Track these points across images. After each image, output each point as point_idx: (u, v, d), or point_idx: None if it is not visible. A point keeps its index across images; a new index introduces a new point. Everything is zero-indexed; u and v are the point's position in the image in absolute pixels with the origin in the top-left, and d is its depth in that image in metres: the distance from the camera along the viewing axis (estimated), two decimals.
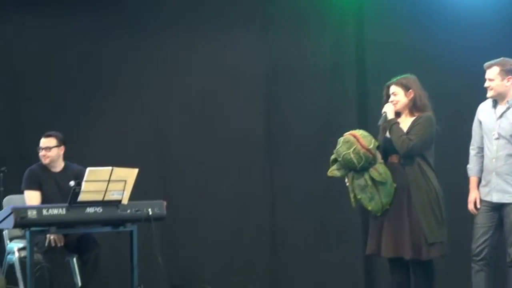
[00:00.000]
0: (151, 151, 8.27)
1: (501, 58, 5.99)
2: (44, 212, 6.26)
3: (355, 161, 5.80)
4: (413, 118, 5.94)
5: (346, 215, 7.81)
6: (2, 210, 6.44)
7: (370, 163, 5.83)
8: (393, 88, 6.00)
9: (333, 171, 5.99)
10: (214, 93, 8.21)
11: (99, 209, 6.46)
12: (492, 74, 5.94)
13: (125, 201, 6.55)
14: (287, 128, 8.11)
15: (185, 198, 8.14)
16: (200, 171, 8.19)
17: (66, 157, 7.07)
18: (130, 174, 6.50)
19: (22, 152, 8.01)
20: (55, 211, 6.29)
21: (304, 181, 7.99)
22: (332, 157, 5.98)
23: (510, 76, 5.92)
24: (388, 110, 5.97)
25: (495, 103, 6.00)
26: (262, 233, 8.10)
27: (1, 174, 7.76)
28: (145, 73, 8.28)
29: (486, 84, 5.97)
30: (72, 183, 6.43)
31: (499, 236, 5.98)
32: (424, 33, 7.82)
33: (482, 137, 6.05)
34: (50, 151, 6.95)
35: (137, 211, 6.61)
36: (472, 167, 6.10)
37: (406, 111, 6.00)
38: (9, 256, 6.93)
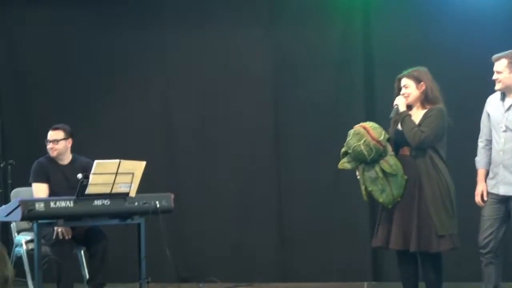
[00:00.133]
0: (159, 144, 8.28)
1: (510, 51, 5.96)
2: (52, 204, 6.27)
3: (365, 153, 5.79)
4: (424, 111, 5.92)
5: (354, 208, 7.82)
6: (10, 203, 6.46)
7: (380, 155, 5.81)
8: (405, 81, 5.98)
9: (344, 163, 5.97)
10: (222, 87, 8.21)
11: (106, 202, 6.47)
12: (501, 67, 5.92)
13: (132, 193, 6.55)
14: (294, 122, 8.10)
15: (193, 191, 8.15)
16: (207, 164, 8.20)
17: (74, 149, 7.07)
18: (137, 167, 6.50)
19: (30, 144, 8.03)
20: (62, 204, 6.31)
21: (311, 174, 7.99)
22: (343, 149, 5.97)
23: None
24: (400, 103, 5.95)
25: (503, 96, 5.99)
26: (269, 226, 8.10)
27: (9, 166, 7.80)
28: (153, 67, 8.30)
29: (494, 76, 5.95)
30: (79, 175, 6.44)
31: (507, 229, 5.96)
32: (431, 25, 7.80)
33: (490, 130, 6.03)
34: (58, 143, 6.94)
35: (144, 203, 6.62)
36: (480, 160, 6.09)
37: (418, 104, 5.98)
38: (16, 249, 6.94)
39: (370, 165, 5.85)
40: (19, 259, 6.86)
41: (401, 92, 5.99)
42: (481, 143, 6.11)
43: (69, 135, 6.99)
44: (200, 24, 8.27)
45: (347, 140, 5.90)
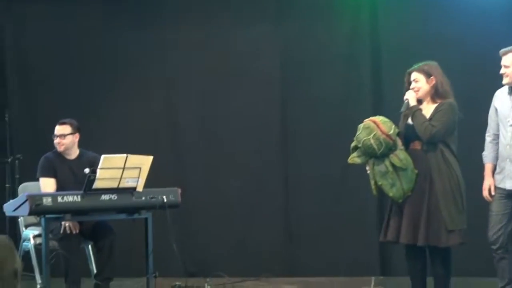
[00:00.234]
0: (166, 139, 8.29)
1: None
2: (59, 199, 6.28)
3: (375, 147, 5.77)
4: (435, 105, 5.91)
5: (361, 203, 7.82)
6: (18, 197, 6.47)
7: (390, 149, 5.80)
8: (414, 75, 5.97)
9: (354, 158, 5.96)
10: (229, 83, 8.21)
11: (114, 196, 6.47)
12: (508, 61, 5.91)
13: (140, 188, 6.55)
14: (301, 118, 8.10)
15: (200, 185, 8.16)
16: (214, 159, 8.21)
17: (81, 144, 7.08)
18: (144, 162, 6.51)
19: (38, 139, 8.05)
20: (70, 198, 6.31)
21: (319, 170, 7.98)
22: (353, 144, 5.95)
23: None
24: (410, 97, 5.94)
25: (511, 90, 5.97)
26: (277, 221, 8.11)
27: (17, 161, 7.82)
28: (159, 62, 8.30)
29: (502, 71, 5.94)
30: (87, 170, 6.44)
31: None
32: (438, 20, 7.79)
33: (497, 124, 6.02)
34: (65, 138, 6.95)
35: (152, 198, 6.63)
36: (487, 154, 6.08)
37: (428, 98, 5.96)
38: (24, 243, 6.95)
39: (380, 159, 5.83)
40: (27, 253, 6.87)
41: (411, 87, 5.98)
42: (488, 138, 6.10)
43: (76, 129, 7.00)
44: (207, 21, 8.27)
45: (357, 134, 5.89)
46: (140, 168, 6.47)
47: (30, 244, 6.85)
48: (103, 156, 6.37)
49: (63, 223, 6.57)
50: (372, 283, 7.57)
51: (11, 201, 6.62)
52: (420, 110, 5.90)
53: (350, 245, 7.87)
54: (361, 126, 5.90)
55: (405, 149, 5.90)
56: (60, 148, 6.96)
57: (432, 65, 5.99)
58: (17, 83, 8.48)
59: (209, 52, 8.24)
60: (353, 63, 8.03)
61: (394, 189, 5.80)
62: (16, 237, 7.36)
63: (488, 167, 6.06)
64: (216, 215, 8.13)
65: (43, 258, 6.39)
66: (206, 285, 7.08)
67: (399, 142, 5.89)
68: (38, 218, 6.62)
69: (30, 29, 8.49)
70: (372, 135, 5.79)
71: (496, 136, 6.03)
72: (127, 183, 6.48)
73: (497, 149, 6.02)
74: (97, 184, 6.34)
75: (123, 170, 6.38)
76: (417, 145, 5.91)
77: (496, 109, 6.03)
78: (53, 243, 6.64)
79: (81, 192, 6.34)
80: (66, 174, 6.92)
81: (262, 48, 8.20)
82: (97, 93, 8.34)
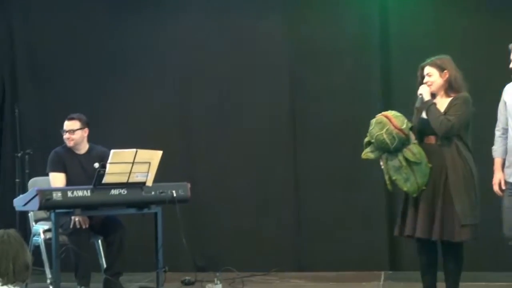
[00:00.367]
0: (175, 133, 8.29)
1: None
2: (69, 194, 6.30)
3: (388, 141, 5.75)
4: (449, 99, 5.87)
5: (371, 197, 7.82)
6: (28, 192, 6.50)
7: (403, 143, 5.78)
8: (428, 69, 5.94)
9: (367, 153, 5.94)
10: (239, 75, 8.20)
11: (123, 191, 6.48)
12: None
13: (149, 183, 6.57)
14: (311, 111, 8.08)
15: (209, 180, 8.16)
16: (224, 152, 8.21)
17: (90, 139, 7.09)
18: (154, 156, 6.51)
19: (47, 134, 8.07)
20: (79, 193, 6.33)
21: (328, 163, 7.98)
22: (366, 139, 5.93)
23: None
24: (424, 92, 5.91)
25: None
26: (286, 215, 8.10)
27: (27, 156, 7.83)
28: (169, 55, 8.30)
29: (511, 65, 5.91)
30: (96, 165, 6.46)
31: None
32: (449, 13, 7.76)
33: (507, 118, 5.99)
34: (74, 133, 6.96)
35: (161, 193, 6.64)
36: (497, 148, 6.06)
37: (442, 92, 5.93)
38: (34, 238, 6.97)
39: (394, 154, 5.81)
40: (37, 248, 6.89)
41: (424, 81, 5.95)
42: (497, 132, 6.07)
43: (85, 124, 7.01)
44: (218, 10, 8.26)
45: (370, 129, 5.87)
46: (149, 163, 6.48)
47: (40, 238, 6.87)
48: (112, 151, 6.38)
49: (73, 217, 6.59)
50: (382, 278, 7.57)
51: (21, 196, 6.66)
52: (435, 104, 5.86)
53: (360, 240, 7.86)
54: (373, 121, 5.88)
55: (419, 143, 5.87)
56: (69, 144, 6.98)
57: (445, 59, 5.95)
58: (27, 78, 8.49)
59: (219, 44, 8.23)
60: (363, 53, 8.00)
61: (409, 183, 5.78)
62: (26, 231, 7.37)
63: (497, 162, 6.03)
64: (226, 210, 8.13)
65: (53, 253, 6.41)
66: (215, 279, 7.08)
67: (412, 137, 5.87)
68: (48, 213, 6.62)
69: (39, 25, 8.50)
70: (384, 130, 5.77)
71: (506, 131, 6.00)
72: (136, 178, 6.49)
73: (507, 143, 5.99)
74: (106, 179, 6.36)
75: (133, 165, 6.40)
76: (431, 140, 5.88)
77: (505, 103, 6.00)
78: (63, 238, 6.66)
79: (91, 186, 6.36)
80: (75, 169, 6.93)
81: (272, 41, 8.17)
82: (107, 87, 8.35)
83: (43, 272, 6.83)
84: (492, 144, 6.09)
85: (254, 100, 8.15)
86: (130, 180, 6.47)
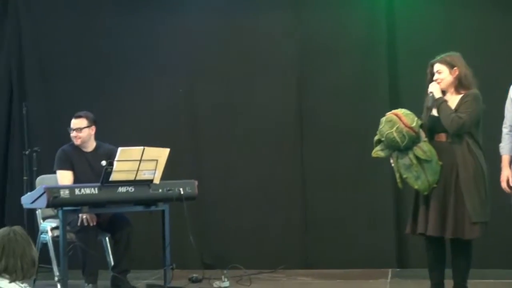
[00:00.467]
0: (183, 131, 8.29)
1: None
2: (77, 191, 6.31)
3: (398, 140, 5.74)
4: (459, 96, 5.86)
5: (378, 194, 7.81)
6: (35, 190, 6.51)
7: (413, 141, 5.77)
8: (437, 66, 5.92)
9: (377, 152, 5.93)
10: (247, 71, 8.20)
11: (131, 189, 6.49)
12: None
13: (156, 180, 6.57)
14: (318, 108, 8.07)
15: (216, 177, 8.16)
16: (231, 150, 8.21)
17: (98, 136, 7.09)
18: (161, 154, 6.52)
19: (55, 132, 8.08)
20: (87, 191, 6.34)
21: (335, 160, 7.97)
22: (376, 137, 5.92)
23: None
24: (434, 90, 5.89)
25: None
26: (293, 213, 8.09)
27: (34, 154, 7.84)
28: (177, 51, 8.29)
29: None
30: (103, 162, 6.47)
31: None
32: (456, 9, 7.74)
33: None
34: (81, 131, 6.96)
35: (168, 190, 6.64)
36: (504, 146, 6.05)
37: (452, 89, 5.91)
38: (42, 236, 6.97)
39: (404, 152, 5.80)
40: (44, 245, 6.90)
41: (434, 78, 5.93)
42: (505, 129, 6.06)
43: (92, 122, 7.01)
44: (226, 7, 8.25)
45: (380, 128, 5.85)
46: (157, 161, 6.48)
47: (48, 236, 6.87)
48: (120, 149, 6.39)
49: (80, 215, 6.60)
50: (389, 275, 7.56)
51: (28, 193, 6.66)
52: (446, 101, 5.84)
53: (367, 237, 7.85)
54: (383, 119, 5.87)
55: (430, 141, 5.86)
56: (76, 142, 6.98)
57: (455, 56, 5.94)
58: (35, 76, 8.51)
59: (227, 41, 8.23)
60: (370, 52, 7.98)
61: (419, 181, 5.76)
62: (34, 229, 7.40)
63: (505, 159, 6.02)
64: (233, 207, 8.13)
65: (61, 250, 6.42)
66: (223, 277, 7.09)
67: (423, 134, 5.86)
68: (56, 211, 6.64)
69: (47, 24, 8.51)
70: (394, 128, 5.75)
71: None
72: (144, 176, 6.49)
73: None
74: (114, 177, 6.37)
75: (140, 163, 6.40)
76: (442, 137, 5.87)
77: None
78: (71, 236, 6.67)
79: (98, 184, 6.37)
80: (83, 166, 6.93)
81: (279, 37, 8.16)
82: (114, 85, 8.35)
83: (51, 270, 6.85)
84: (500, 141, 6.08)
85: (261, 99, 8.14)
86: (138, 178, 6.47)
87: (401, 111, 5.87)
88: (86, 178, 6.76)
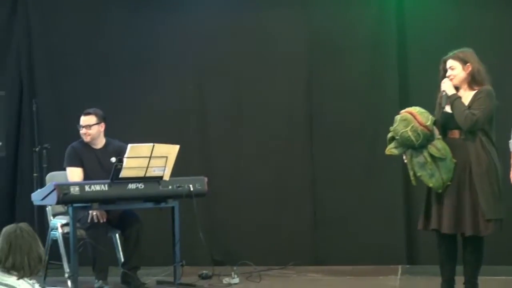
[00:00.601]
0: (192, 127, 8.29)
1: None
2: (87, 188, 6.32)
3: (413, 138, 5.71)
4: (472, 92, 5.82)
5: (388, 191, 7.80)
6: (45, 187, 6.53)
7: (428, 139, 5.73)
8: (450, 62, 5.88)
9: (391, 149, 5.90)
10: (255, 69, 8.19)
11: (140, 185, 6.50)
12: None
13: (166, 177, 6.58)
14: (328, 105, 8.06)
15: (226, 174, 8.16)
16: (241, 147, 8.20)
17: (107, 133, 7.10)
18: (171, 151, 6.53)
19: (65, 128, 8.08)
20: (97, 188, 6.35)
21: (345, 157, 7.95)
22: (389, 135, 5.88)
23: None
24: (447, 87, 5.85)
25: None
26: (303, 209, 8.09)
27: (44, 150, 7.86)
28: (185, 49, 8.28)
29: None
30: (113, 159, 6.48)
31: None
32: (466, 6, 7.72)
33: None
34: (91, 129, 6.96)
35: (178, 187, 6.65)
36: None
37: (465, 86, 5.88)
38: (52, 232, 6.99)
39: (418, 151, 5.76)
40: (54, 242, 6.92)
41: (447, 74, 5.90)
42: None
43: (101, 119, 7.01)
44: (234, 4, 8.25)
45: (394, 126, 5.82)
46: (166, 157, 6.49)
47: (58, 233, 6.88)
48: (129, 145, 6.40)
49: (90, 212, 6.62)
50: (399, 272, 7.55)
51: (39, 190, 6.69)
52: (460, 98, 5.80)
53: (377, 234, 7.83)
54: (397, 118, 5.83)
55: (443, 137, 5.83)
56: (86, 139, 6.98)
57: (468, 52, 5.90)
58: (45, 74, 8.52)
59: (235, 38, 8.23)
60: (379, 51, 7.97)
61: (434, 179, 5.74)
62: (44, 226, 7.42)
63: None
64: (243, 204, 8.13)
65: (71, 247, 6.44)
66: (232, 273, 7.10)
67: (436, 132, 5.82)
68: (66, 207, 6.66)
69: (57, 21, 8.51)
70: (409, 127, 5.73)
71: None
72: (153, 172, 6.50)
73: None
74: (124, 173, 6.38)
75: (150, 159, 6.41)
76: (455, 134, 5.84)
77: None
78: (81, 232, 6.68)
79: (108, 181, 6.39)
80: (92, 163, 6.94)
81: (288, 34, 8.14)
82: (124, 81, 8.35)
83: (61, 266, 6.87)
84: (508, 137, 6.06)
85: (270, 97, 8.12)
86: (147, 175, 6.48)
87: (415, 109, 5.83)
88: (95, 175, 6.76)
